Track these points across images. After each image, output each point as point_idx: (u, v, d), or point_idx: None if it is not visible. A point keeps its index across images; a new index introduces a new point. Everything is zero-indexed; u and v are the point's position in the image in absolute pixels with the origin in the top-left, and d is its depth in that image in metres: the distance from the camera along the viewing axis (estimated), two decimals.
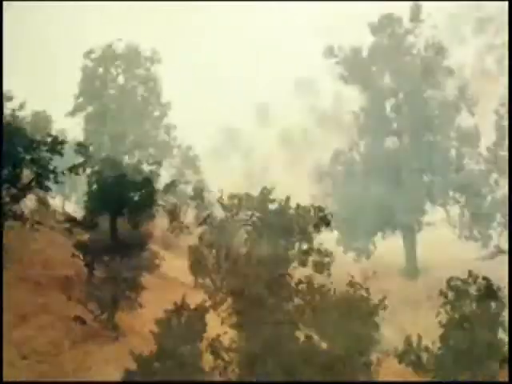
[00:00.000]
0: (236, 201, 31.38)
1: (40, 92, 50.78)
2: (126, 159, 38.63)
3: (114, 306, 30.63)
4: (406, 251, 37.30)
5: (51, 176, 42.32)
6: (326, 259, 27.29)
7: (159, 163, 38.73)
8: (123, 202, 37.80)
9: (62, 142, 41.42)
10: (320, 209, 32.62)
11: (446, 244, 41.58)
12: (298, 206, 29.54)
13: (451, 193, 35.78)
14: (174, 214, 37.55)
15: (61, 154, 41.88)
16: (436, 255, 41.60)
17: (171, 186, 38.93)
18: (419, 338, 18.70)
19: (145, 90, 39.88)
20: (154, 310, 36.25)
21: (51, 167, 42.36)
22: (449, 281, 18.36)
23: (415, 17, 38.50)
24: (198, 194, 38.75)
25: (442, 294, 18.27)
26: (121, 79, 39.47)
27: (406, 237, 36.84)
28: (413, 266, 37.16)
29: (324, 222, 34.36)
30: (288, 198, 28.78)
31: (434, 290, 35.57)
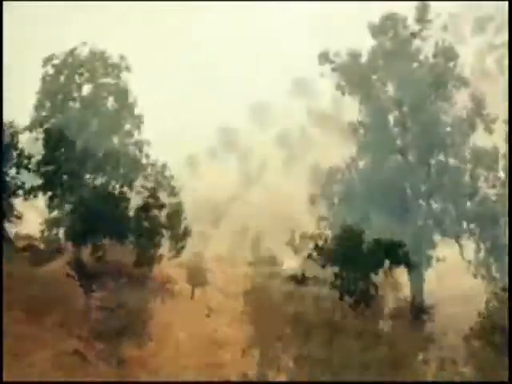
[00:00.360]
0: (307, 240, 30.10)
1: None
2: (92, 180, 33.99)
3: (118, 340, 27.08)
4: (411, 287, 32.46)
5: (20, 192, 37.03)
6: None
7: (130, 184, 34.07)
8: (88, 229, 33.05)
9: (29, 157, 36.50)
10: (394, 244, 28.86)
11: (456, 274, 36.77)
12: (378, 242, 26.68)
13: (465, 224, 30.63)
14: (142, 246, 32.94)
15: (28, 170, 36.88)
16: (444, 287, 36.76)
17: (143, 211, 34.25)
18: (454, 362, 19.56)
19: (115, 101, 35.05)
20: (161, 335, 31.94)
21: (19, 183, 37.07)
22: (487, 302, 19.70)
23: (422, 17, 33.55)
24: (174, 223, 34.02)
25: (481, 315, 19.39)
26: (86, 89, 34.65)
27: (411, 272, 31.99)
28: (419, 304, 32.34)
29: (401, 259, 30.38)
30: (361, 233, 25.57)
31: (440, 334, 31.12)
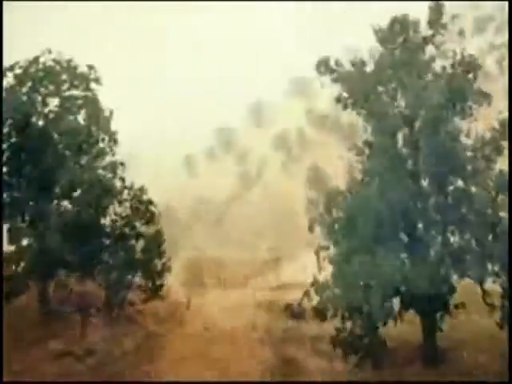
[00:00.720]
0: None
1: None
2: (57, 208, 29.72)
3: None
4: (423, 332, 28.13)
5: None
6: None
7: (103, 212, 29.87)
8: (52, 266, 28.99)
9: None
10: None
11: (475, 313, 32.59)
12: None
13: (490, 265, 25.95)
14: (112, 286, 28.85)
15: None
16: (462, 327, 32.57)
17: (117, 243, 30.18)
18: None
19: (85, 116, 30.67)
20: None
21: None
22: None
23: (436, 20, 29.05)
24: (151, 256, 29.79)
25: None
26: (53, 102, 30.31)
27: (424, 319, 27.58)
28: (432, 351, 28.08)
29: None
30: None
31: None
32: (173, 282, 45.66)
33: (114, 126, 32.10)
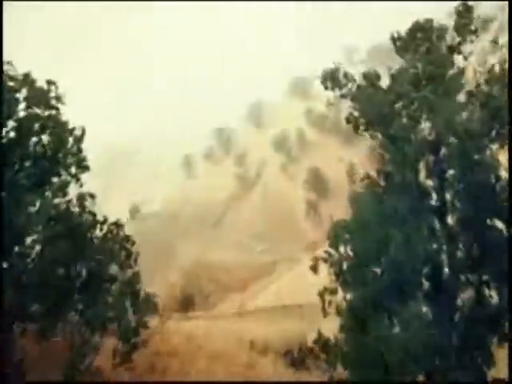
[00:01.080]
0: None
1: None
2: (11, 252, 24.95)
3: None
4: None
5: None
6: None
7: (68, 255, 25.18)
8: (12, 320, 24.52)
9: None
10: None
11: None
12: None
13: None
14: (75, 351, 24.07)
15: None
16: None
17: (87, 291, 25.52)
18: None
19: (51, 138, 25.84)
20: None
21: None
22: None
23: (464, 25, 24.35)
24: (121, 312, 24.96)
25: None
26: (9, 124, 25.53)
27: None
28: None
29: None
30: None
31: None
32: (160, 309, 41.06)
33: (86, 144, 27.29)
